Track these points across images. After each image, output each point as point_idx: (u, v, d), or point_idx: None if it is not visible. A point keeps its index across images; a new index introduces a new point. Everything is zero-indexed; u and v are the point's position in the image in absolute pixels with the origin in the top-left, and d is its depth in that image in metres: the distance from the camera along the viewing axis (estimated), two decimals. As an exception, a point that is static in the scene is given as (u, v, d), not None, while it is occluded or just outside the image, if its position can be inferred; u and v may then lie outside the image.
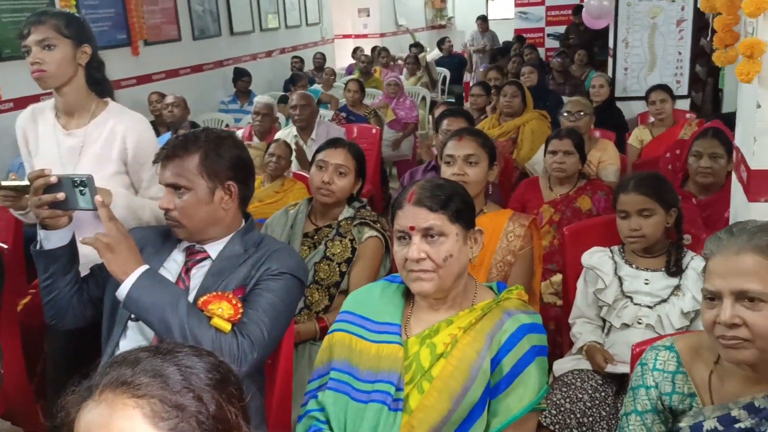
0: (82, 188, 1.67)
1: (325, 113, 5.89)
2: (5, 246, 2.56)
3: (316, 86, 7.57)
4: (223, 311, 1.62)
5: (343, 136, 4.37)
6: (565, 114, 3.96)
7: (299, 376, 2.20)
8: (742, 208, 1.94)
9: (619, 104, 5.29)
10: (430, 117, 7.00)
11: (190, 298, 1.69)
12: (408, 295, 1.65)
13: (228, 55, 7.58)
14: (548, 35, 9.74)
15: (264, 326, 1.65)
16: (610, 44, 5.62)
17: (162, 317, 1.57)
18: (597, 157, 3.90)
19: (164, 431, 0.82)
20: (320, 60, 8.70)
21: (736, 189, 2.07)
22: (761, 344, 1.25)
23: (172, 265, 1.79)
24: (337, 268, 2.37)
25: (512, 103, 4.61)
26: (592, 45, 8.05)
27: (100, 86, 2.14)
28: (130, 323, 1.75)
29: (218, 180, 1.72)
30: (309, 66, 8.82)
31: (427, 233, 1.51)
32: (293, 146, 4.20)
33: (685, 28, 5.08)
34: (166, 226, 1.93)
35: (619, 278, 2.21)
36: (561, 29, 9.31)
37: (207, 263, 1.77)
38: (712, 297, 1.30)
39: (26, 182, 1.81)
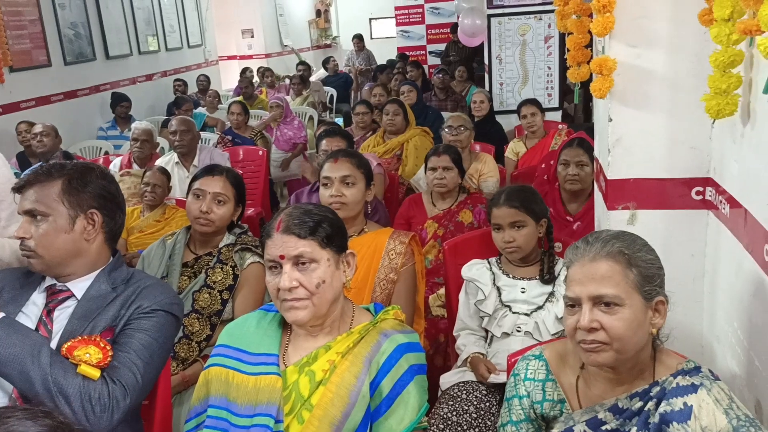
0: None
1: (211, 137, 5.77)
2: None
3: (201, 109, 7.41)
4: (90, 356, 1.52)
5: (227, 161, 4.29)
6: (447, 129, 4.07)
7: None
8: (602, 216, 2.05)
9: (498, 118, 5.50)
10: (318, 137, 7.03)
11: (54, 343, 1.59)
12: (285, 324, 1.62)
13: (105, 79, 7.28)
14: (430, 53, 10.01)
15: (137, 369, 1.57)
16: (486, 61, 5.85)
17: (22, 370, 1.46)
18: (478, 170, 4.03)
19: None
20: (204, 82, 8.52)
21: (598, 198, 2.19)
22: (618, 346, 1.32)
23: (32, 308, 1.67)
24: (219, 296, 2.30)
25: (395, 121, 4.68)
26: (471, 61, 8.35)
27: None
28: (-16, 376, 1.61)
29: (80, 208, 1.63)
30: (193, 89, 8.62)
31: (298, 261, 1.49)
32: (174, 174, 4.08)
33: (552, 45, 5.36)
34: (23, 268, 1.81)
35: (498, 288, 2.28)
36: (442, 47, 9.59)
37: (70, 303, 1.67)
38: (573, 303, 1.36)
39: None
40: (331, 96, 8.84)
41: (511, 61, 5.51)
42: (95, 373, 1.51)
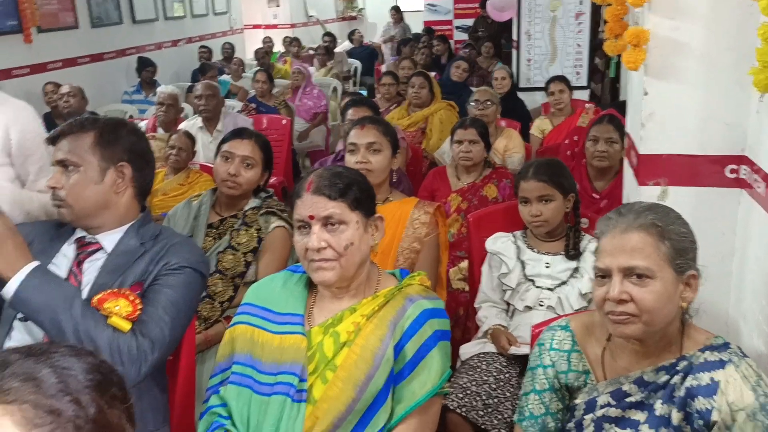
0: None
1: (235, 104, 5.77)
2: None
3: (225, 77, 7.40)
4: (120, 309, 1.54)
5: (250, 126, 4.29)
6: (473, 103, 4.04)
7: (208, 379, 2.13)
8: (633, 191, 2.03)
9: (523, 95, 5.44)
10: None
11: (84, 294, 1.60)
12: (311, 285, 1.63)
13: (130, 43, 7.29)
14: (456, 28, 9.89)
15: (165, 325, 1.59)
16: (514, 36, 5.77)
17: (54, 318, 1.48)
18: (503, 146, 4.00)
19: None
20: (229, 50, 8.50)
21: (628, 173, 2.16)
22: (647, 318, 1.31)
23: (62, 260, 1.69)
24: (243, 258, 2.32)
25: (420, 94, 4.66)
26: (499, 37, 8.23)
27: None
28: (16, 323, 1.64)
29: (111, 161, 1.64)
30: (218, 56, 8.61)
31: (327, 222, 1.50)
32: (198, 138, 4.09)
33: (583, 21, 5.27)
34: (54, 221, 1.83)
35: (522, 262, 2.27)
36: (469, 22, 9.48)
37: (99, 256, 1.68)
38: (603, 275, 1.35)
39: None
40: (355, 68, 8.79)
41: (540, 38, 5.43)
42: (126, 326, 1.53)
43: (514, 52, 5.92)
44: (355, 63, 8.74)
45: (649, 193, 1.89)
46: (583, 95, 5.45)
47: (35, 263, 1.53)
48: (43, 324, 1.50)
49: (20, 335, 1.63)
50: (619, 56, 2.03)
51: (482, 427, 1.99)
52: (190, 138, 3.77)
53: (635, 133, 1.98)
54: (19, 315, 1.60)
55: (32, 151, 2.02)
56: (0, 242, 1.49)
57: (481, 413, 2.01)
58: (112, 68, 6.92)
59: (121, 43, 7.14)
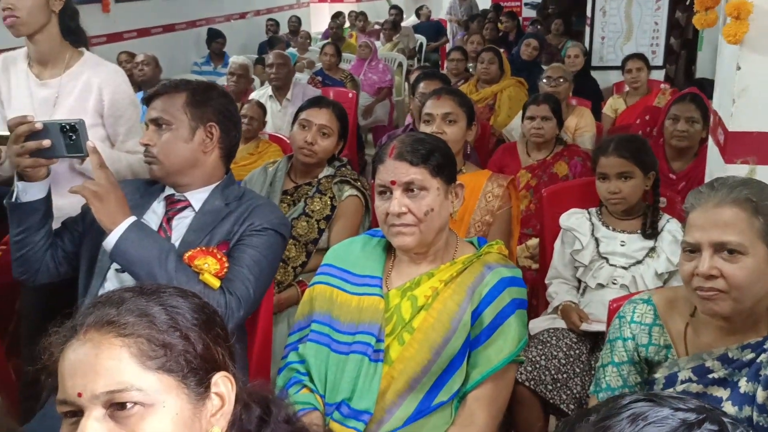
0: (71, 134, 1.60)
1: (301, 76, 5.82)
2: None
3: (292, 50, 7.46)
4: (209, 266, 1.60)
5: (319, 97, 4.33)
6: (545, 80, 3.97)
7: (279, 340, 2.19)
8: (718, 170, 1.97)
9: (595, 73, 5.32)
10: (406, 84, 6.97)
11: (174, 250, 1.67)
12: (389, 249, 1.65)
13: (201, 15, 7.42)
14: (525, 4, 9.71)
15: (249, 283, 1.64)
16: (588, 13, 5.63)
17: (149, 271, 1.55)
18: (574, 124, 3.93)
19: (152, 370, 0.81)
20: (295, 23, 8.56)
21: (713, 152, 2.10)
22: (736, 295, 1.28)
23: (152, 216, 1.76)
24: (316, 225, 2.36)
25: (489, 70, 4.61)
26: (569, 14, 8.05)
27: (75, 36, 2.09)
28: (109, 274, 1.72)
29: (201, 121, 1.70)
30: (284, 29, 8.68)
31: (408, 187, 1.51)
32: (268, 107, 4.15)
33: (662, -1, 5.11)
34: (143, 180, 1.91)
35: (596, 239, 2.24)
36: (538, -1, 9.30)
37: (187, 214, 1.74)
38: (692, 249, 1.32)
39: (2, 132, 1.76)
40: (420, 44, 8.73)
41: (616, 14, 5.28)
42: (216, 283, 1.58)
43: (587, 29, 5.77)
44: (421, 38, 8.68)
45: (736, 172, 1.85)
46: (658, 75, 5.29)
47: (133, 218, 1.60)
48: (139, 276, 1.57)
49: (113, 286, 1.70)
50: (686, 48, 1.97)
51: (550, 401, 1.99)
52: (262, 108, 3.83)
53: (724, 110, 1.92)
54: (115, 266, 1.68)
55: (122, 113, 2.09)
56: (103, 196, 1.56)
57: (550, 387, 2.00)
58: (183, 39, 7.06)
59: (192, 15, 7.27)
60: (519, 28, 8.14)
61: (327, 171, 2.48)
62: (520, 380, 2.00)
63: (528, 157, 3.30)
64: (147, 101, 1.72)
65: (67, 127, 1.61)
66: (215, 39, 6.83)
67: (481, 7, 10.03)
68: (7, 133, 1.67)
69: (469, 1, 9.76)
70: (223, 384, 0.88)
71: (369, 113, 5.96)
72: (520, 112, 3.74)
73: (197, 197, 1.75)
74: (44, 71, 2.06)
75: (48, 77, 2.05)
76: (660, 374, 1.42)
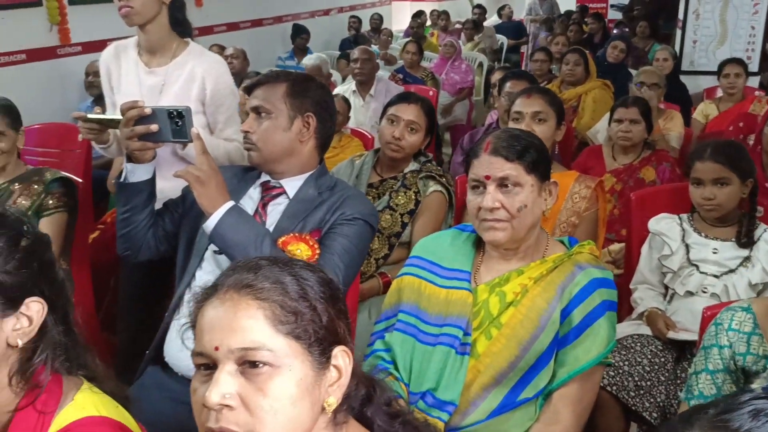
0: (178, 120, 1.68)
1: (383, 73, 5.88)
2: (80, 180, 2.64)
3: (373, 47, 7.54)
4: (301, 252, 1.65)
5: (401, 93, 4.37)
6: (638, 84, 3.89)
7: (360, 329, 2.23)
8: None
9: (684, 78, 5.15)
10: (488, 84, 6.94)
11: (268, 235, 1.72)
12: (478, 244, 1.66)
13: (287, 11, 7.59)
14: (611, 6, 9.47)
15: (339, 271, 1.68)
16: (680, 15, 5.45)
17: (245, 254, 1.59)
18: (662, 126, 3.84)
19: (282, 334, 0.86)
20: (377, 21, 8.65)
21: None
22: None
23: (248, 202, 1.82)
24: (400, 219, 2.39)
25: (574, 72, 4.55)
26: (656, 18, 7.81)
27: (182, 27, 2.19)
28: (206, 255, 1.79)
29: (299, 111, 1.75)
30: (366, 27, 8.78)
31: (503, 183, 1.52)
32: (351, 102, 4.21)
33: (761, 2, 4.89)
34: (241, 166, 1.98)
35: (687, 246, 2.19)
36: (626, 0, 9.05)
37: (282, 200, 1.80)
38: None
39: (114, 116, 1.86)
40: (501, 44, 8.66)
41: (710, 18, 5.09)
42: None
43: (677, 32, 5.60)
44: (502, 39, 8.61)
45: None
46: (752, 82, 5.07)
47: (232, 202, 1.67)
48: (235, 258, 1.62)
49: (210, 266, 1.78)
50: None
51: (632, 408, 1.96)
52: (347, 103, 3.90)
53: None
54: (213, 247, 1.75)
55: (222, 101, 2.18)
56: (205, 180, 1.63)
57: (632, 394, 1.97)
58: (269, 34, 7.24)
59: (279, 11, 7.45)
60: (605, 30, 7.96)
61: (412, 166, 2.51)
62: (602, 384, 1.97)
63: (614, 160, 3.24)
64: (248, 90, 1.79)
65: (175, 113, 1.69)
66: (300, 34, 6.98)
67: (565, 7, 9.86)
68: (119, 116, 1.77)
69: (550, 0, 9.59)
70: (341, 358, 0.92)
71: (448, 112, 5.96)
72: (606, 115, 3.68)
73: (292, 185, 1.81)
74: (152, 60, 2.17)
75: (156, 65, 2.16)
76: (757, 384, 1.38)
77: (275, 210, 1.80)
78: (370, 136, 3.70)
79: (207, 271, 1.78)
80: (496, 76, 4.18)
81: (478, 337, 1.54)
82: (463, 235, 1.70)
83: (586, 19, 8.02)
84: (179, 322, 1.75)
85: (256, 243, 1.62)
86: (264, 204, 1.81)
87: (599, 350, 1.47)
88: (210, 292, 0.91)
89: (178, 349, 1.73)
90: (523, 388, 1.51)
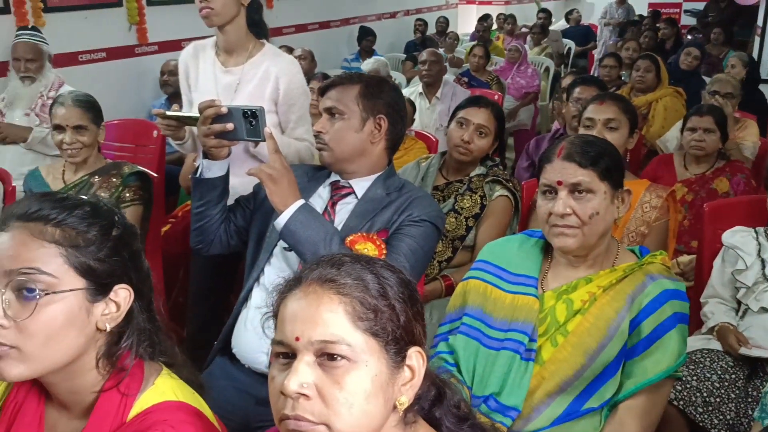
0: (252, 119, 1.73)
1: (449, 77, 5.88)
2: (155, 175, 2.74)
3: (439, 50, 7.54)
4: (368, 251, 1.67)
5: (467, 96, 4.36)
6: (711, 92, 3.77)
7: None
8: None
9: (763, 87, 4.96)
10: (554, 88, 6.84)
11: (336, 234, 1.75)
12: (546, 250, 1.65)
13: (354, 13, 7.65)
14: (685, 11, 9.21)
15: (405, 271, 1.68)
16: (759, 22, 5.26)
17: (315, 251, 1.64)
18: (737, 136, 3.71)
19: (360, 330, 0.88)
20: (443, 24, 8.65)
21: None
22: None
23: (317, 200, 1.86)
24: (464, 222, 2.39)
25: (645, 78, 4.45)
26: (732, 23, 7.56)
27: (258, 28, 2.25)
28: (275, 251, 1.83)
29: (371, 112, 1.77)
30: (432, 30, 8.78)
31: (575, 189, 1.51)
32: (417, 104, 4.23)
33: None
34: (311, 165, 2.02)
35: (762, 260, 2.12)
36: (700, 5, 8.78)
37: (350, 200, 1.83)
38: None
39: (191, 113, 1.93)
40: (569, 49, 8.52)
41: (792, 24, 4.90)
42: None
43: (756, 39, 5.41)
44: (570, 43, 8.47)
45: None
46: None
47: (302, 200, 1.70)
48: (304, 255, 1.67)
49: (279, 262, 1.82)
50: None
51: (700, 424, 1.91)
52: (412, 105, 3.91)
53: None
54: (282, 244, 1.79)
55: (295, 101, 2.23)
56: (277, 179, 1.67)
57: (700, 410, 1.92)
58: (335, 36, 7.33)
59: (346, 13, 7.52)
60: (677, 36, 7.75)
61: (479, 170, 2.50)
62: (668, 399, 1.93)
63: (685, 170, 3.15)
64: (322, 91, 1.82)
65: (249, 112, 1.74)
66: (366, 36, 7.04)
67: (637, 12, 9.63)
68: (196, 114, 1.83)
69: (627, 4, 9.36)
70: (416, 358, 0.93)
71: (513, 117, 5.90)
72: (678, 123, 3.59)
73: (361, 185, 1.83)
74: (229, 59, 2.23)
75: (232, 65, 2.22)
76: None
77: (344, 209, 1.82)
78: (434, 139, 3.71)
79: (276, 266, 1.82)
80: (566, 81, 4.13)
81: (543, 344, 1.53)
82: (531, 241, 1.69)
83: (658, 25, 7.82)
84: (247, 314, 1.80)
85: (325, 240, 1.65)
86: (333, 203, 1.84)
87: (669, 363, 1.44)
88: (293, 284, 0.94)
89: (245, 341, 1.77)
90: (589, 397, 1.49)
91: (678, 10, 9.22)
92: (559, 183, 1.51)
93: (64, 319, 0.97)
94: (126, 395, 1.02)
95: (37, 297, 0.94)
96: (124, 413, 1.01)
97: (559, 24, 9.71)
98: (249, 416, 1.72)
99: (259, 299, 1.80)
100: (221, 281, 2.32)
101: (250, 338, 1.76)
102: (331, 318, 0.88)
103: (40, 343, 0.95)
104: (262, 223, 1.88)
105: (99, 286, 1.00)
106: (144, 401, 1.03)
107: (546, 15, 8.73)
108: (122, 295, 1.03)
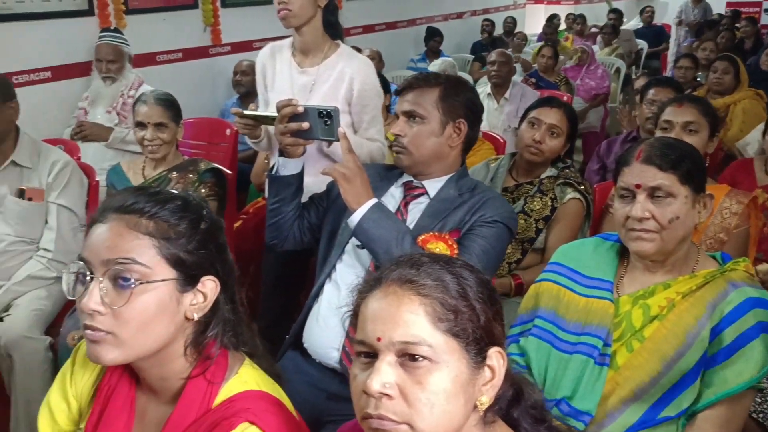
0: (326, 119, 1.76)
1: (517, 78, 5.83)
2: (230, 172, 2.82)
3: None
4: (440, 251, 1.68)
5: (537, 98, 4.31)
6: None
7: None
8: None
9: None
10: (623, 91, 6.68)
11: (408, 233, 1.77)
12: (622, 254, 1.62)
13: (421, 13, 7.66)
14: (765, 10, 8.83)
15: None
16: None
17: (387, 250, 1.66)
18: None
19: (441, 331, 0.89)
20: (510, 24, 8.57)
21: None
22: None
23: (390, 200, 1.87)
24: (534, 225, 2.37)
25: (723, 80, 4.31)
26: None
27: (333, 29, 2.29)
28: (347, 248, 1.85)
29: (451, 116, 1.78)
30: (499, 30, 8.71)
31: (654, 192, 1.47)
32: (485, 105, 4.20)
33: None
34: (382, 164, 2.04)
35: None
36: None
37: (423, 200, 1.84)
38: None
39: (268, 113, 1.98)
40: (640, 49, 8.30)
41: None
42: None
43: None
44: (642, 44, 8.25)
45: None
46: None
47: (375, 199, 1.72)
48: (377, 253, 1.69)
49: (350, 259, 1.84)
50: None
51: (780, 438, 1.84)
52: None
53: None
54: (354, 242, 1.81)
55: (368, 102, 2.26)
56: (351, 178, 1.70)
57: (781, 424, 1.85)
58: (402, 36, 7.35)
59: (413, 14, 7.54)
60: (758, 36, 7.45)
61: (550, 172, 2.47)
62: (749, 410, 1.87)
63: (766, 175, 3.03)
64: (399, 92, 1.83)
65: (324, 112, 1.77)
66: (433, 37, 7.04)
67: (714, 11, 9.30)
68: (272, 113, 1.88)
69: (704, 3, 9.05)
70: (496, 359, 0.93)
71: (581, 119, 5.79)
72: (759, 126, 3.46)
73: (433, 185, 1.84)
74: (305, 60, 2.28)
75: (308, 65, 2.27)
76: None
77: (416, 209, 1.84)
78: (502, 141, 3.68)
79: (347, 263, 1.85)
80: (639, 83, 4.03)
81: (618, 349, 1.50)
82: (607, 244, 1.66)
83: (737, 24, 7.53)
84: (319, 310, 1.84)
85: (397, 239, 1.67)
86: (406, 203, 1.85)
87: (752, 374, 1.40)
88: (373, 284, 0.95)
89: (317, 336, 1.81)
90: (665, 405, 1.45)
91: (758, 9, 8.84)
92: (638, 186, 1.49)
93: (156, 308, 1.01)
94: (212, 383, 1.06)
95: (132, 286, 0.99)
96: (209, 400, 1.05)
97: (632, 23, 9.46)
98: (319, 410, 1.76)
99: (330, 295, 1.83)
100: (292, 277, 2.37)
101: (322, 333, 1.79)
102: (412, 319, 0.89)
103: (133, 330, 1.00)
104: (334, 220, 1.91)
105: (188, 277, 1.04)
106: (228, 389, 1.07)
107: (617, 15, 8.53)
108: (209, 286, 1.07)
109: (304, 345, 1.85)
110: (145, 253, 1.01)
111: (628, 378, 1.48)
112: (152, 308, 1.01)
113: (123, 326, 0.99)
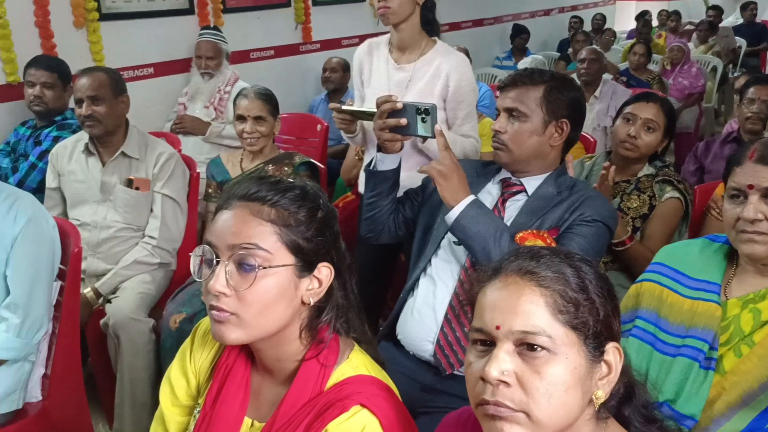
0: (424, 116, 1.78)
1: (608, 76, 5.69)
2: (322, 166, 2.88)
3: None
4: None
5: (627, 96, 4.19)
6: None
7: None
8: None
9: None
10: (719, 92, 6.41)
11: (505, 230, 1.76)
12: (731, 256, 1.57)
13: (507, 11, 7.60)
14: None
15: None
16: None
17: (484, 246, 1.67)
18: None
19: (561, 323, 0.89)
20: (599, 21, 8.36)
21: None
22: None
23: (486, 196, 1.87)
24: (630, 222, 2.32)
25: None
26: None
27: (430, 26, 2.30)
28: (443, 243, 1.87)
29: (554, 115, 1.76)
30: (587, 27, 8.52)
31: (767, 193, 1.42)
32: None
33: None
34: (479, 161, 2.04)
35: None
36: None
37: (521, 197, 1.83)
38: None
39: (365, 108, 2.02)
40: (739, 47, 7.92)
41: None
42: None
43: None
44: (741, 41, 7.88)
45: None
46: None
47: (473, 196, 1.73)
48: (474, 249, 1.70)
49: (446, 254, 1.85)
50: None
51: None
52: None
53: None
54: (450, 237, 1.82)
55: (463, 98, 2.27)
56: (448, 175, 1.71)
57: None
58: (488, 34, 7.31)
59: (499, 11, 7.48)
60: None
61: (647, 170, 2.41)
62: None
63: None
64: (501, 88, 1.83)
65: (422, 109, 1.79)
66: (519, 34, 6.96)
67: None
68: (370, 109, 1.91)
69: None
70: (613, 354, 0.94)
71: (674, 118, 5.61)
72: None
73: (532, 183, 1.83)
74: (402, 56, 2.31)
75: (404, 62, 2.30)
76: None
77: (513, 206, 1.83)
78: (592, 140, 3.60)
79: (443, 258, 1.86)
80: (739, 82, 3.87)
81: (725, 353, 1.46)
82: (714, 246, 1.61)
83: None
84: (414, 303, 1.86)
85: (495, 236, 1.67)
86: (503, 200, 1.85)
87: None
88: (492, 274, 0.96)
89: (411, 329, 1.83)
90: (776, 414, 1.40)
91: None
92: (750, 187, 1.44)
93: (276, 292, 1.06)
94: (325, 366, 1.10)
95: (256, 270, 1.04)
96: (322, 382, 1.09)
97: (729, 19, 9.05)
98: (413, 401, 1.78)
99: (425, 289, 1.85)
100: (383, 269, 2.41)
101: (416, 327, 1.82)
102: (532, 309, 0.90)
103: (255, 312, 1.05)
104: (429, 215, 1.93)
105: (306, 263, 1.09)
106: (340, 373, 1.10)
107: (716, 13, 8.18)
108: (324, 272, 1.11)
109: (398, 337, 1.88)
110: (268, 239, 1.06)
111: (735, 383, 1.43)
112: (273, 292, 1.05)
113: (246, 308, 1.04)
